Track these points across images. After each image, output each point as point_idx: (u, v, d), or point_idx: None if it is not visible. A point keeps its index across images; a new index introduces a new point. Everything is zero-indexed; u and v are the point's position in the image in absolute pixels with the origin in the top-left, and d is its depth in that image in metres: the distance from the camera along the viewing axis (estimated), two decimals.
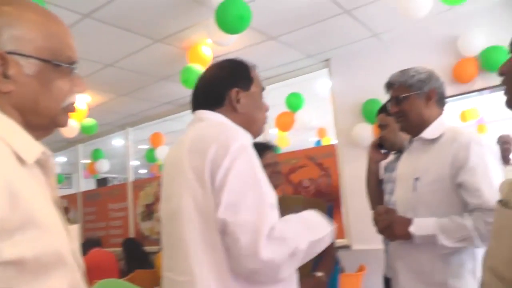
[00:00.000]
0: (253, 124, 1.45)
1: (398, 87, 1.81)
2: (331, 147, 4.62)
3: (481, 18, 3.61)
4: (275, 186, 2.25)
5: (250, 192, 1.16)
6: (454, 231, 1.56)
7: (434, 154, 1.71)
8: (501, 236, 0.94)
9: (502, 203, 0.95)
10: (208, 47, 3.88)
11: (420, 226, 1.62)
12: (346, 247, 4.17)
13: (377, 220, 1.77)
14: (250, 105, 1.43)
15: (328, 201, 3.77)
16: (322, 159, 4.53)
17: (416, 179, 1.71)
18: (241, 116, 1.41)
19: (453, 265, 1.61)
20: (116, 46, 3.88)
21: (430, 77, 1.80)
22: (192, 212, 1.21)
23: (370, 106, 3.98)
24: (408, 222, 1.65)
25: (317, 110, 5.12)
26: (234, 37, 3.27)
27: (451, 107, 4.85)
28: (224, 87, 1.41)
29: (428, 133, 1.77)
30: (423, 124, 1.78)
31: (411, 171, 1.77)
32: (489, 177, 1.57)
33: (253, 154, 1.25)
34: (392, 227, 1.68)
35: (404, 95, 1.78)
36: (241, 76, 1.45)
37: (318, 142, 7.02)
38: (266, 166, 2.21)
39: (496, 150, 1.70)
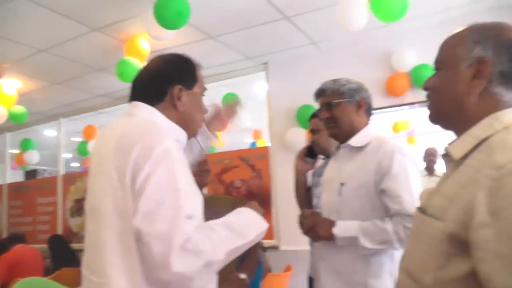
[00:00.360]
0: (190, 124, 1.39)
1: (330, 93, 1.82)
2: (264, 149, 4.63)
3: (413, 38, 3.77)
4: (204, 185, 2.19)
5: (167, 201, 1.10)
6: (375, 234, 1.60)
7: (360, 161, 1.74)
8: (417, 240, 0.97)
9: (421, 210, 0.97)
10: (146, 41, 3.72)
11: (343, 228, 1.65)
12: (274, 247, 4.19)
13: (302, 222, 1.78)
14: (190, 104, 1.37)
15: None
16: (254, 160, 4.53)
17: (342, 184, 1.73)
18: (180, 114, 1.35)
19: (372, 266, 1.65)
20: (51, 31, 3.61)
21: (360, 87, 1.84)
22: (112, 213, 1.15)
23: (304, 112, 4.01)
24: (331, 224, 1.67)
25: (253, 112, 5.09)
26: (172, 32, 3.15)
27: (384, 118, 5.05)
28: (168, 82, 1.34)
29: (355, 140, 1.79)
30: (352, 131, 1.81)
31: (337, 176, 1.79)
32: (409, 185, 1.62)
33: (177, 160, 1.18)
34: (316, 228, 1.70)
35: (336, 101, 1.80)
36: (186, 74, 1.39)
37: (254, 144, 7.01)
38: (194, 164, 2.13)
39: (417, 160, 1.75)
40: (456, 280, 0.83)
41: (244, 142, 7.33)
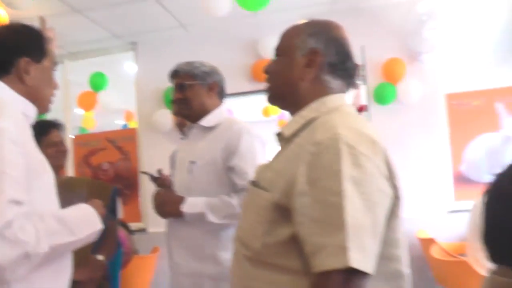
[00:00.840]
0: (40, 100, 1.29)
1: (183, 75, 1.84)
2: (132, 131, 4.49)
3: (278, 28, 3.80)
4: (59, 166, 2.04)
5: None
6: (221, 209, 1.66)
7: (210, 140, 1.77)
8: (248, 211, 1.03)
9: (254, 183, 1.03)
10: (2, 8, 3.27)
11: (190, 205, 1.68)
12: (142, 230, 4.11)
13: (153, 200, 1.81)
14: (39, 79, 1.27)
15: (115, 185, 3.61)
16: (122, 142, 4.37)
17: (192, 162, 1.75)
18: (28, 89, 1.25)
19: (222, 239, 1.70)
20: None
21: (213, 71, 1.88)
22: None
23: (171, 94, 3.91)
24: (180, 201, 1.70)
25: (122, 93, 4.85)
26: (32, 1, 2.80)
27: (254, 102, 5.23)
28: (13, 53, 1.23)
29: (206, 121, 1.82)
30: (203, 112, 1.83)
31: (188, 155, 1.81)
32: (255, 163, 1.67)
33: (11, 139, 1.06)
34: (164, 205, 1.74)
35: (188, 83, 1.82)
36: (34, 46, 1.28)
37: (125, 125, 6.70)
38: (50, 145, 2.00)
39: (265, 140, 1.83)
40: (280, 244, 0.91)
41: (115, 123, 6.97)
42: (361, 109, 3.47)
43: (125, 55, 4.48)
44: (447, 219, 3.55)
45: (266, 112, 6.96)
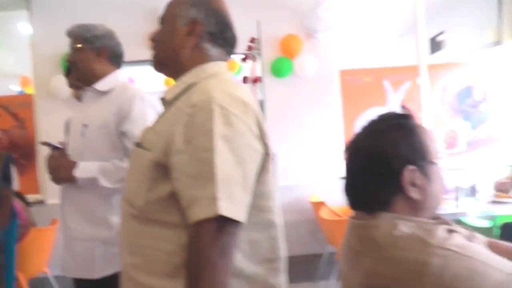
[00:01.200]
0: None
1: (74, 38, 1.80)
2: (28, 97, 4.24)
3: None
4: None
5: None
6: (113, 173, 1.65)
7: (103, 104, 1.75)
8: (132, 171, 1.07)
9: (138, 144, 1.06)
10: None
11: (83, 170, 1.66)
12: (40, 202, 3.92)
13: (46, 164, 1.76)
14: None
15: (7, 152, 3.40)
16: (17, 109, 4.08)
17: (85, 125, 1.72)
18: None
19: (113, 204, 1.70)
20: None
21: (105, 35, 1.82)
22: None
23: None
24: (72, 165, 1.67)
25: (16, 56, 4.48)
26: None
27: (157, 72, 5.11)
28: None
29: (100, 85, 1.79)
30: (93, 77, 1.79)
31: (81, 118, 1.78)
32: None
33: None
34: (57, 170, 1.70)
35: (77, 46, 1.78)
36: None
37: (22, 92, 6.19)
38: None
39: (157, 106, 1.82)
40: (162, 200, 0.96)
41: (10, 89, 6.40)
42: (255, 80, 3.58)
43: (18, 14, 4.12)
44: (338, 185, 3.84)
45: (167, 82, 6.85)
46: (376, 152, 0.96)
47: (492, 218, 3.44)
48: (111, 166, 1.66)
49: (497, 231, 3.38)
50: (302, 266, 3.71)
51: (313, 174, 3.79)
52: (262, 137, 0.98)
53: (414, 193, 0.94)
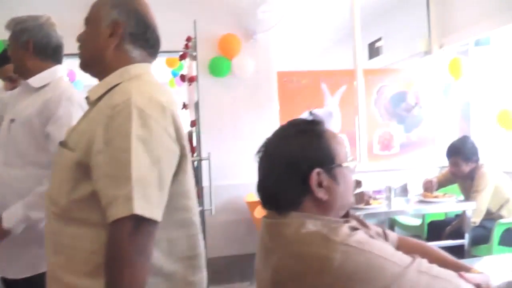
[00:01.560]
0: None
1: (10, 33, 1.71)
2: None
3: None
4: None
5: None
6: (39, 202, 1.50)
7: (32, 100, 1.67)
8: (56, 170, 1.07)
9: (62, 144, 1.07)
10: None
11: (9, 218, 1.54)
12: None
13: None
14: None
15: None
16: None
17: (12, 120, 1.65)
18: None
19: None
20: None
21: (32, 27, 1.69)
22: None
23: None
24: None
25: None
26: None
27: None
28: None
29: (32, 80, 1.70)
30: (28, 71, 1.69)
31: (10, 113, 1.71)
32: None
33: None
34: None
35: (9, 41, 1.71)
36: None
37: None
38: None
39: (84, 107, 1.74)
40: (83, 200, 0.98)
41: None
42: (191, 79, 3.54)
43: None
44: None
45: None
46: (284, 155, 1.00)
47: (422, 216, 3.57)
48: (33, 197, 1.55)
49: (426, 229, 3.52)
50: (239, 265, 3.69)
51: (250, 175, 3.78)
52: (179, 139, 1.01)
53: (321, 194, 0.98)
